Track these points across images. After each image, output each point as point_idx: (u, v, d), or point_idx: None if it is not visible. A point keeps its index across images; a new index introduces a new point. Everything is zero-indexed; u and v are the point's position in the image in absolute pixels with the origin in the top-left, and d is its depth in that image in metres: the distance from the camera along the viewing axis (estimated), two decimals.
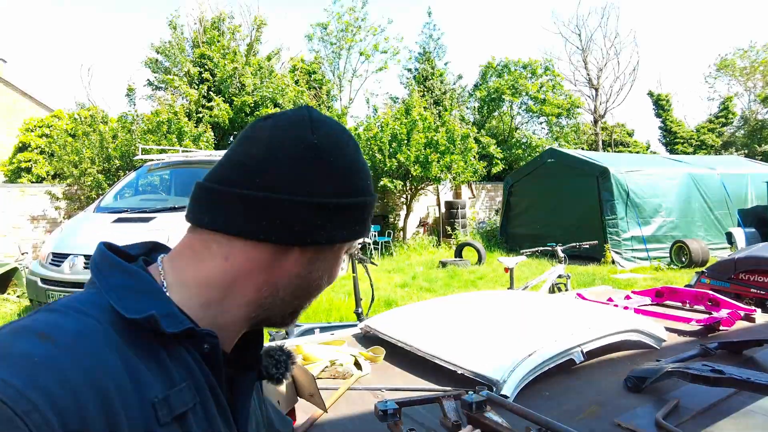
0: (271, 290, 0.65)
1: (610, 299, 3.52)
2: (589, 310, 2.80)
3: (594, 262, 10.57)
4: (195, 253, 0.64)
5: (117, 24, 56.64)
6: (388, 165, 11.82)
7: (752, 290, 3.92)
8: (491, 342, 2.25)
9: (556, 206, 11.88)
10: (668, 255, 10.36)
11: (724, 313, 3.01)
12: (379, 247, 12.77)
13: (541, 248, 4.59)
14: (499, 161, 16.84)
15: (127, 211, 6.34)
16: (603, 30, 37.66)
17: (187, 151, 9.20)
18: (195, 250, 0.64)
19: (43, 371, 0.46)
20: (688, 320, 2.93)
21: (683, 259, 9.93)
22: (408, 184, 13.01)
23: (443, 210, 15.23)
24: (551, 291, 4.28)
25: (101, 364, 0.50)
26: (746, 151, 23.71)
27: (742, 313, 3.13)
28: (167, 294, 0.61)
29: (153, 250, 0.71)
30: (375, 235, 12.92)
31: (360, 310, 3.15)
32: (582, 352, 2.22)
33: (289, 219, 0.61)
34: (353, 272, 3.31)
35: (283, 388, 1.61)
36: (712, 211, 11.74)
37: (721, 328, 2.84)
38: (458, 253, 10.83)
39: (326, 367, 2.24)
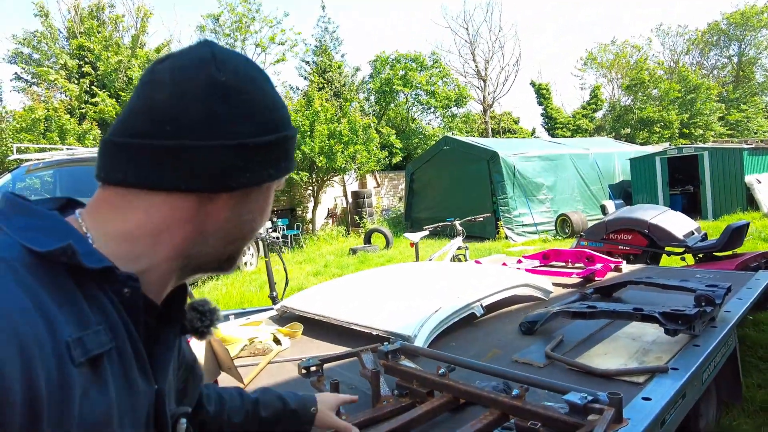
0: (199, 238, 0.62)
1: (504, 264, 3.86)
2: (486, 271, 3.08)
3: (489, 239, 11.40)
4: (114, 207, 0.60)
5: None
6: None
7: (620, 247, 4.54)
8: (401, 304, 2.41)
9: (454, 189, 12.61)
10: (554, 227, 11.48)
11: (598, 266, 3.47)
12: (289, 240, 12.61)
13: (442, 223, 4.93)
14: (398, 150, 17.41)
15: None
16: (488, 24, 40.40)
17: (71, 149, 8.33)
18: (113, 204, 0.60)
19: None
20: (569, 274, 3.34)
21: (567, 230, 11.05)
22: (314, 176, 12.99)
23: (350, 200, 15.41)
24: (451, 260, 4.61)
25: (8, 302, 0.47)
26: (613, 134, 26.74)
27: (612, 266, 3.63)
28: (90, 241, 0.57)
29: (67, 206, 0.66)
30: (284, 229, 12.73)
31: (275, 294, 3.16)
32: (481, 305, 2.45)
33: (209, 165, 0.58)
34: (266, 257, 3.29)
35: (202, 361, 1.62)
36: (589, 187, 13.20)
37: (596, 278, 3.28)
38: (367, 240, 11.08)
39: (245, 345, 2.26)
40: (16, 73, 15.35)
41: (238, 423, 1.01)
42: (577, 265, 3.81)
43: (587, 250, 3.92)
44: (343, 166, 12.04)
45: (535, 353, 1.95)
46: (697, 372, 1.69)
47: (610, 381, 1.63)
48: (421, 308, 2.28)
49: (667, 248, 4.29)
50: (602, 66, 30.43)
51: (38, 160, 7.07)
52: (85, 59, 13.10)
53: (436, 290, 2.61)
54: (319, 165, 11.88)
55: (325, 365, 1.70)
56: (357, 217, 14.62)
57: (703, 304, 2.02)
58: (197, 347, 1.55)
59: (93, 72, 12.65)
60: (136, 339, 0.58)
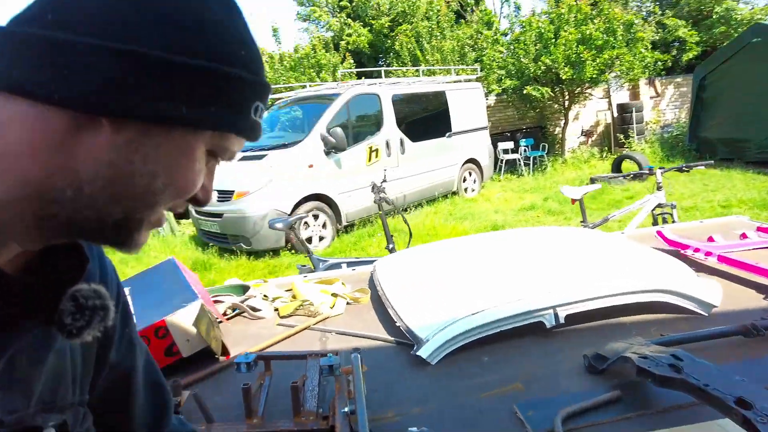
0: (70, 179, 0.46)
1: (710, 238, 2.74)
2: (628, 257, 2.25)
3: None
4: None
5: None
6: (533, 70, 10.48)
7: None
8: (455, 295, 2.03)
9: (763, 100, 9.17)
10: None
11: None
12: (530, 162, 11.80)
13: (633, 173, 3.66)
14: (693, 45, 13.41)
15: (247, 150, 6.86)
16: None
17: (315, 85, 9.66)
18: None
19: None
20: None
21: None
22: (564, 89, 11.44)
23: (615, 115, 13.15)
24: (654, 224, 3.46)
25: None
26: None
27: None
28: None
29: None
30: (526, 149, 11.92)
31: (392, 245, 3.07)
32: (556, 314, 1.87)
33: (85, 70, 0.43)
34: (379, 210, 3.18)
35: (194, 330, 1.74)
36: None
37: None
38: (616, 168, 9.33)
39: (300, 305, 2.33)
40: (297, 12, 18.06)
41: None
42: None
43: None
44: (593, 77, 10.18)
45: (543, 409, 1.37)
46: None
47: None
48: (462, 306, 1.87)
49: None
50: None
51: (287, 97, 8.60)
52: None
53: (513, 281, 2.07)
54: (564, 77, 10.34)
55: (273, 361, 1.63)
56: (621, 136, 12.51)
57: None
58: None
59: (349, 5, 13.81)
60: None
